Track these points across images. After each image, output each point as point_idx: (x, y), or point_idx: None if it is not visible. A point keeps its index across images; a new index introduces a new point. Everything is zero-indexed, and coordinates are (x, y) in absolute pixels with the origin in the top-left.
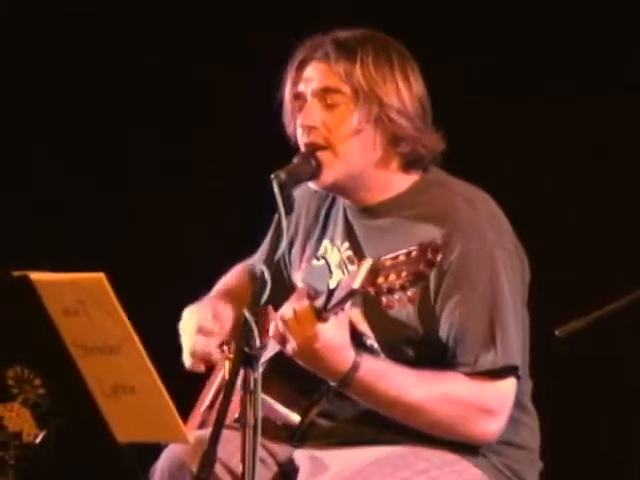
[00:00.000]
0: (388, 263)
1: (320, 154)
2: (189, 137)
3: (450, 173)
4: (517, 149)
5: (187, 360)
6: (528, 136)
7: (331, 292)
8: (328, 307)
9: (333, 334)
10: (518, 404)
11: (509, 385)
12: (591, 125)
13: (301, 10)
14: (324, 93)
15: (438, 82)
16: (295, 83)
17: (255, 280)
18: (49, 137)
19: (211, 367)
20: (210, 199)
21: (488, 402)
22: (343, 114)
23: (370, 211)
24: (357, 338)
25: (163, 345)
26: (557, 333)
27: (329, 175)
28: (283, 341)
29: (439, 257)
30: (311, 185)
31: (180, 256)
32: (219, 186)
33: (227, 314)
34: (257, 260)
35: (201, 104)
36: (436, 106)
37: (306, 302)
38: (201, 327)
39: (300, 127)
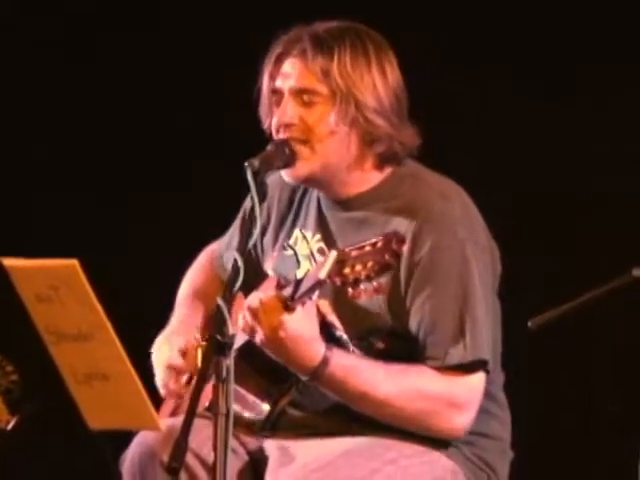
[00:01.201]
0: (354, 254)
1: (297, 147)
2: (189, 137)
3: (426, 164)
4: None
5: (161, 391)
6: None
7: (298, 282)
8: (295, 297)
9: (300, 325)
10: (489, 395)
11: (478, 380)
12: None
13: (305, 10)
14: (301, 92)
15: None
16: (272, 77)
17: (222, 273)
18: (49, 136)
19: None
20: (206, 195)
21: (457, 397)
22: (320, 113)
23: (344, 204)
24: (326, 329)
25: (136, 332)
26: (530, 324)
27: (304, 168)
28: (251, 331)
29: (405, 247)
30: (285, 178)
31: (158, 244)
32: (218, 185)
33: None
34: (225, 245)
35: (202, 104)
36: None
37: (272, 292)
38: (170, 365)
39: (277, 124)
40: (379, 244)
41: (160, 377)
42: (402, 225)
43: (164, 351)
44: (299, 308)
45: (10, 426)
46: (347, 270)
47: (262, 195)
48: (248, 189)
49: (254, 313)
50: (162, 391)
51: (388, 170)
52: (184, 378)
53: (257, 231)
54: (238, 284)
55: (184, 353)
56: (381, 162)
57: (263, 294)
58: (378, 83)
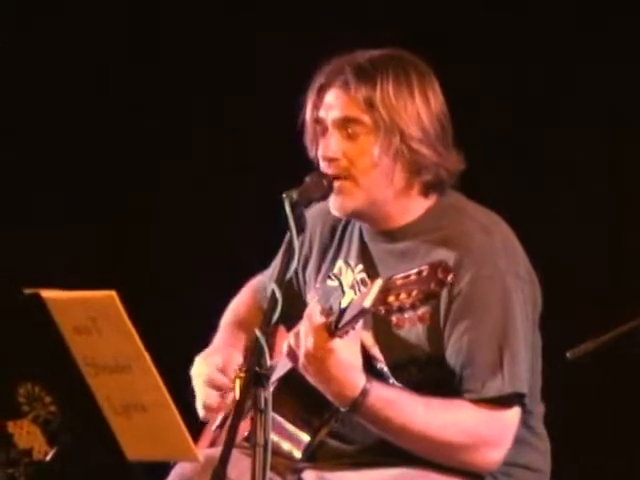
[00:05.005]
0: (399, 282)
1: (341, 183)
2: (189, 138)
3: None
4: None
5: (200, 411)
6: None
7: (342, 311)
8: (339, 326)
9: (347, 353)
10: (529, 427)
11: (513, 414)
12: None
13: (310, 11)
14: (344, 123)
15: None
16: (316, 107)
17: (265, 305)
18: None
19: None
20: (223, 215)
21: (493, 432)
22: (364, 145)
23: (387, 235)
24: (367, 362)
25: (174, 363)
26: (568, 355)
27: (350, 203)
28: (295, 356)
29: (450, 277)
30: (332, 211)
31: (190, 271)
32: (233, 200)
33: (235, 362)
34: (268, 278)
35: (204, 105)
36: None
37: (319, 318)
38: (210, 380)
39: (321, 158)
40: (425, 273)
41: (200, 395)
42: (443, 257)
43: (202, 370)
44: (345, 338)
45: (48, 457)
46: (392, 298)
47: (300, 227)
48: (287, 221)
49: (299, 338)
50: (201, 412)
51: (432, 198)
52: (229, 396)
53: (295, 264)
54: (276, 315)
55: (223, 370)
56: (427, 189)
57: (309, 320)
58: (422, 112)
